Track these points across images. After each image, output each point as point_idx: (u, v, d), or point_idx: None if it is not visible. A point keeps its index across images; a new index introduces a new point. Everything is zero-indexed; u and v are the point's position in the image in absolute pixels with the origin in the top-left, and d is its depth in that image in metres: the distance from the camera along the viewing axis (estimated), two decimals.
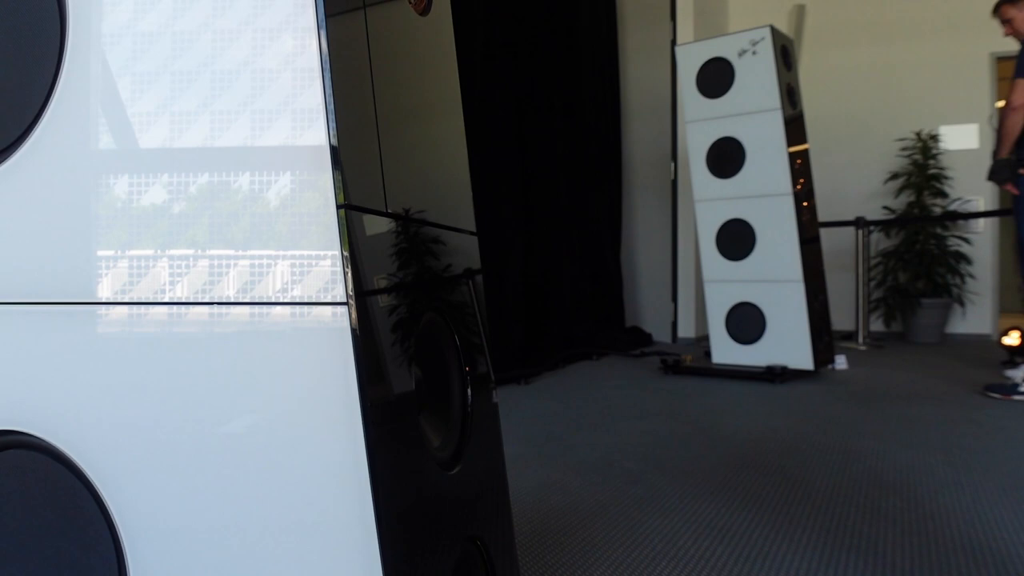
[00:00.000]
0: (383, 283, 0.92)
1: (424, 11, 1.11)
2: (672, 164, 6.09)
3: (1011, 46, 3.75)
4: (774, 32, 4.25)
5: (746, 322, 4.37)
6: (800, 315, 4.19)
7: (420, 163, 1.14)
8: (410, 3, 1.07)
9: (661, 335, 6.18)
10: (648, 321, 6.27)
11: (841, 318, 6.47)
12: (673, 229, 6.13)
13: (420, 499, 0.92)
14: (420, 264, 1.04)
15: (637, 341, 5.87)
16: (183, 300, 0.94)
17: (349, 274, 0.86)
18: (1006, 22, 3.75)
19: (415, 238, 1.04)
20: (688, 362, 4.55)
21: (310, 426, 0.87)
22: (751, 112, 4.28)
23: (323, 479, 0.86)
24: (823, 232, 5.01)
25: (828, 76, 6.60)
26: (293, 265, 0.89)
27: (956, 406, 3.49)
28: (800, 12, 6.63)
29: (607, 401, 3.76)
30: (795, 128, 4.29)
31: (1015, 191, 3.66)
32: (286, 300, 0.89)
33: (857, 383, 4.14)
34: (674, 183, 6.09)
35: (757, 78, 4.25)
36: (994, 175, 3.71)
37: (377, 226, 0.94)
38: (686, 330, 6.06)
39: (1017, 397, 3.63)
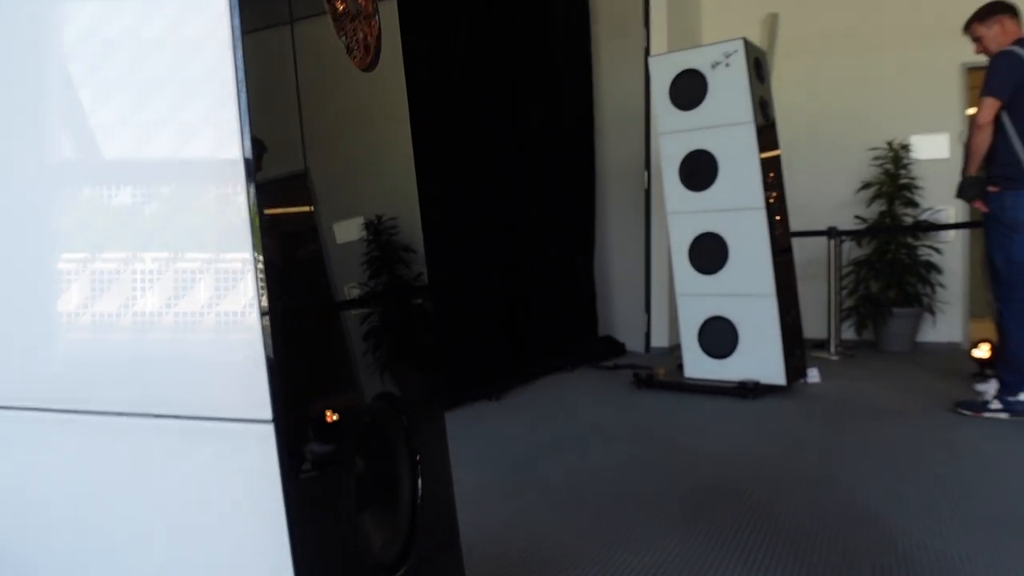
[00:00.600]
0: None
1: (369, 67, 1.04)
2: (645, 173, 6.05)
3: (982, 57, 3.75)
4: (747, 44, 4.22)
5: (719, 336, 4.34)
6: (772, 330, 4.16)
7: (358, 181, 1.08)
8: (353, 60, 1.00)
9: (635, 344, 6.14)
10: (621, 330, 6.23)
11: (813, 326, 6.47)
12: (646, 239, 6.10)
13: None
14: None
15: (610, 351, 5.83)
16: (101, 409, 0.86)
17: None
18: (976, 40, 3.75)
19: (359, 259, 0.98)
20: (661, 376, 4.51)
21: (226, 532, 0.79)
22: (724, 125, 4.24)
23: None
24: (796, 241, 5.02)
25: (801, 84, 6.59)
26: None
27: (928, 425, 3.48)
28: (773, 21, 6.63)
29: (579, 420, 3.71)
30: (768, 141, 4.26)
31: (984, 209, 3.65)
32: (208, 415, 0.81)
33: (829, 399, 4.12)
34: (647, 192, 6.05)
35: (730, 90, 4.22)
36: (963, 193, 3.70)
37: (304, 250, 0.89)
38: (659, 339, 6.03)
39: (988, 414, 3.63)
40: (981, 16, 3.72)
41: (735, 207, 4.22)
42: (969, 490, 2.52)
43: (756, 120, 4.15)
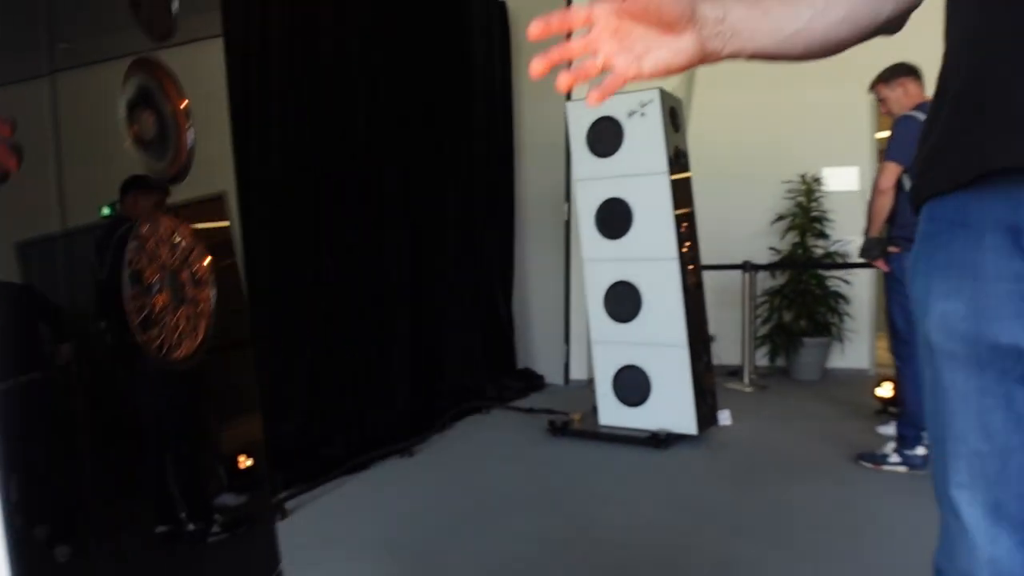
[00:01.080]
0: None
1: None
2: (566, 205, 6.04)
3: None
4: (663, 94, 4.23)
5: (632, 385, 4.36)
6: (684, 380, 4.20)
7: None
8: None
9: (554, 376, 6.15)
10: (541, 362, 6.23)
11: (729, 352, 6.60)
12: (566, 270, 6.10)
13: None
14: None
15: (529, 385, 5.82)
16: None
17: None
18: (881, 101, 3.84)
19: None
20: (576, 423, 4.51)
21: None
22: (639, 174, 4.25)
23: None
24: (711, 274, 5.10)
25: (719, 117, 6.69)
26: None
27: (830, 482, 3.56)
28: None
29: (487, 482, 3.66)
30: (682, 191, 4.29)
31: (886, 268, 3.75)
32: None
33: (738, 448, 4.18)
34: (567, 224, 6.05)
35: (646, 140, 4.22)
36: (865, 253, 3.80)
37: None
38: (579, 371, 6.04)
39: (887, 467, 3.74)
40: (885, 78, 3.81)
41: (649, 257, 4.24)
42: (865, 568, 2.58)
43: (671, 170, 4.18)
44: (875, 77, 3.87)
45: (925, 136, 0.92)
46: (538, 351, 6.29)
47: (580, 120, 4.44)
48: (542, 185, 6.31)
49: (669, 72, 0.86)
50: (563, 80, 0.83)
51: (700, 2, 0.86)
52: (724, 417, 4.65)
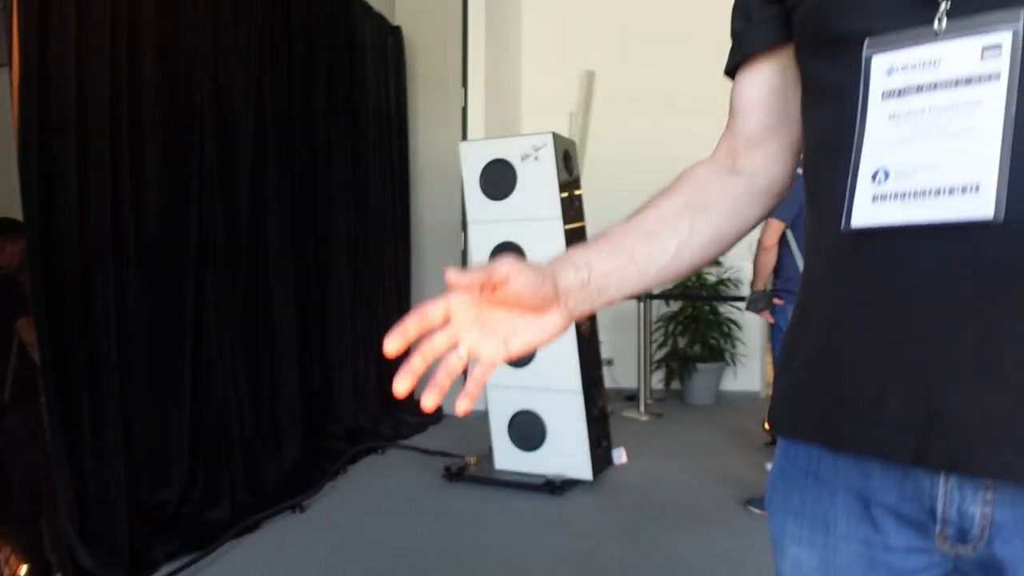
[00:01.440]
0: None
1: None
2: (463, 234, 5.97)
3: None
4: (556, 138, 4.20)
5: (527, 430, 4.33)
6: (579, 426, 4.20)
7: None
8: None
9: (452, 406, 6.02)
10: None
11: (626, 376, 6.69)
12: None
13: None
14: None
15: (426, 417, 5.73)
16: None
17: None
18: None
19: None
20: (472, 467, 4.46)
21: None
22: (532, 219, 4.22)
23: None
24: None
25: (616, 142, 6.75)
26: None
27: (720, 529, 3.61)
28: (590, 78, 6.73)
29: (380, 540, 3.57)
30: (576, 237, 4.28)
31: (771, 319, 3.85)
32: None
33: (631, 492, 4.22)
34: (464, 252, 5.97)
35: (538, 185, 4.19)
36: (751, 305, 3.88)
37: None
38: (477, 401, 5.97)
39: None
40: None
41: None
42: None
43: (564, 216, 4.15)
44: None
45: (791, 348, 0.88)
46: None
47: (473, 161, 4.37)
48: (440, 213, 6.22)
49: (538, 346, 0.81)
50: (428, 401, 0.77)
51: (561, 272, 0.80)
52: (619, 456, 4.68)
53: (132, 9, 3.31)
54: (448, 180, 6.12)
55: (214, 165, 3.80)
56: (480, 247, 4.37)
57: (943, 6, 0.69)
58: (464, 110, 5.98)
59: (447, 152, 6.08)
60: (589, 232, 4.55)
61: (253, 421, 4.02)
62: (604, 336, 6.44)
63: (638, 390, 6.21)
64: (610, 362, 6.90)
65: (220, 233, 3.81)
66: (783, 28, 0.90)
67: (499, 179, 4.29)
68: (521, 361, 4.29)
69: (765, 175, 0.96)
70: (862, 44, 0.73)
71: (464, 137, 6.01)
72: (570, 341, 4.16)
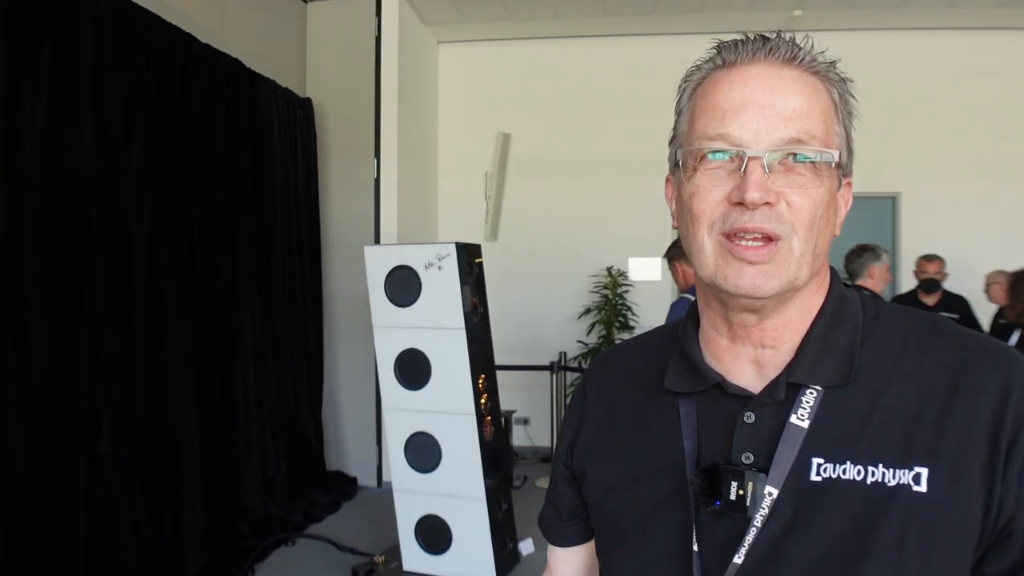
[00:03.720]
0: None
1: None
2: None
3: None
4: (460, 248, 4.23)
5: (434, 533, 4.38)
6: (483, 530, 4.26)
7: None
8: None
9: (366, 478, 6.09)
10: (353, 463, 6.14)
11: (541, 436, 6.80)
12: (376, 369, 6.02)
13: None
14: None
15: (340, 493, 5.73)
16: None
17: None
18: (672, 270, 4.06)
19: None
20: (380, 568, 4.49)
21: None
22: (436, 328, 4.25)
23: None
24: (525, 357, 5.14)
25: (531, 202, 6.82)
26: None
27: None
28: (505, 140, 6.77)
29: None
30: (480, 344, 4.33)
31: None
32: None
33: None
34: None
35: (442, 294, 4.21)
36: None
37: None
38: (391, 474, 6.00)
39: None
40: (671, 255, 4.04)
41: (447, 410, 4.26)
42: None
43: (467, 326, 4.20)
44: (668, 248, 4.10)
45: None
46: (351, 451, 6.20)
47: (378, 266, 4.37)
48: (352, 283, 6.19)
49: None
50: None
51: None
52: (527, 547, 4.77)
53: (10, 142, 3.22)
54: (359, 249, 6.08)
55: (105, 290, 3.72)
56: (385, 353, 4.38)
57: None
58: (377, 181, 5.96)
59: (360, 221, 6.06)
60: (499, 303, 4.61)
61: (154, 545, 3.96)
62: (518, 394, 6.55)
63: (551, 451, 6.33)
64: (527, 421, 7.01)
65: (113, 362, 3.73)
66: (588, 531, 1.07)
67: (403, 286, 4.30)
68: (428, 466, 4.34)
69: None
70: None
71: (377, 207, 6.00)
72: (474, 448, 4.22)
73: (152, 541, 3.99)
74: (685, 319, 0.98)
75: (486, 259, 4.60)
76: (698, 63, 0.89)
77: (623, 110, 6.63)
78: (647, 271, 6.75)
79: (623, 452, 0.96)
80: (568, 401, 0.97)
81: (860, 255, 4.06)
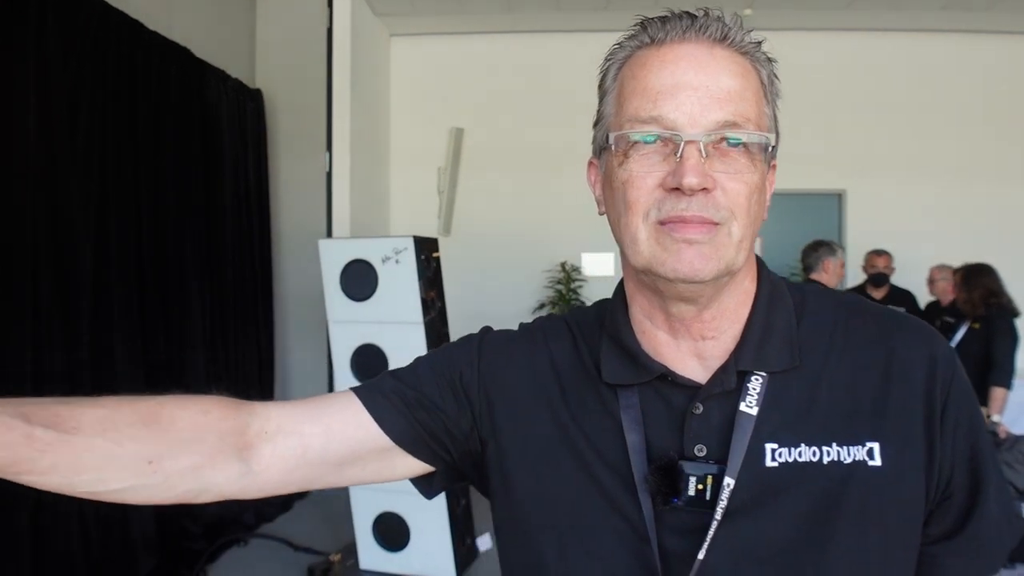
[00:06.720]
0: None
1: None
2: None
3: None
4: (417, 242, 4.19)
5: (392, 530, 4.34)
6: (442, 525, 4.24)
7: None
8: None
9: None
10: None
11: None
12: (328, 367, 5.93)
13: None
14: None
15: (292, 494, 5.63)
16: None
17: None
18: None
19: None
20: (336, 566, 4.43)
21: None
22: (393, 322, 4.20)
23: None
24: None
25: (484, 197, 6.79)
26: None
27: None
28: (458, 135, 6.73)
29: None
30: (438, 339, 4.29)
31: None
32: None
33: None
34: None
35: (399, 288, 4.17)
36: None
37: None
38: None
39: None
40: None
41: None
42: None
43: (424, 320, 4.16)
44: None
45: None
46: None
47: (333, 260, 4.30)
48: (305, 277, 6.09)
49: None
50: None
51: None
52: (484, 543, 4.76)
53: None
54: (311, 244, 5.98)
55: (50, 285, 3.59)
56: (341, 349, 4.32)
57: None
58: (329, 174, 5.87)
59: (311, 214, 5.97)
60: (453, 298, 4.58)
61: (103, 548, 3.84)
62: None
63: None
64: None
65: (59, 359, 3.61)
66: (409, 441, 0.94)
67: (359, 280, 4.24)
68: None
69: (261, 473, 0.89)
70: None
71: (329, 200, 5.90)
72: None
73: (101, 544, 3.87)
74: (612, 308, 0.94)
75: (440, 254, 4.57)
76: (621, 40, 0.85)
77: (576, 106, 6.61)
78: (600, 266, 6.78)
79: (552, 452, 0.90)
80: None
81: (816, 249, 4.14)
